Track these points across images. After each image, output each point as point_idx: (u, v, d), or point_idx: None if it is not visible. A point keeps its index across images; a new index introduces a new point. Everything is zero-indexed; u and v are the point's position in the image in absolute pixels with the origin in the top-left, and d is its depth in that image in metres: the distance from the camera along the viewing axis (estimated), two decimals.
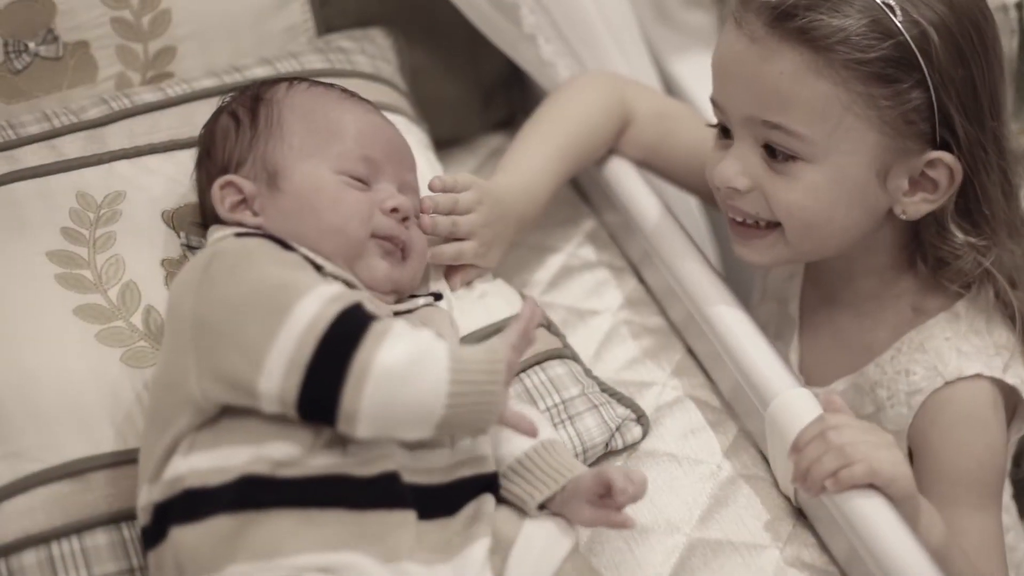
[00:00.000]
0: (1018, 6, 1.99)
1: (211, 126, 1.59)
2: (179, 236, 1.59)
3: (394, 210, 1.52)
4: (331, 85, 1.61)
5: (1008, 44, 1.96)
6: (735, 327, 1.63)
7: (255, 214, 1.51)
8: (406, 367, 1.29)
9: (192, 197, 1.62)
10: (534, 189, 1.74)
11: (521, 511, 1.41)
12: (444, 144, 1.96)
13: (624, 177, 1.84)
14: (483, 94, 2.08)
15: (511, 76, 2.09)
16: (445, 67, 2.03)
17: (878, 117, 1.51)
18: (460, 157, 2.05)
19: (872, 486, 1.42)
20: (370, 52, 1.89)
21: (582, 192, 1.95)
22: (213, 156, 1.56)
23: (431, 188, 1.62)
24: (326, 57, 1.84)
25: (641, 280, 1.83)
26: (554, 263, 1.83)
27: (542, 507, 1.43)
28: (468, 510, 1.38)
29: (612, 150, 1.86)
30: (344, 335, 1.30)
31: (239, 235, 1.46)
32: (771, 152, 1.55)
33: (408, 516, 1.32)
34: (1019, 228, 1.60)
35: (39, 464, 1.42)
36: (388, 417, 1.30)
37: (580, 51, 1.92)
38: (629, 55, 1.96)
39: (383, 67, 1.89)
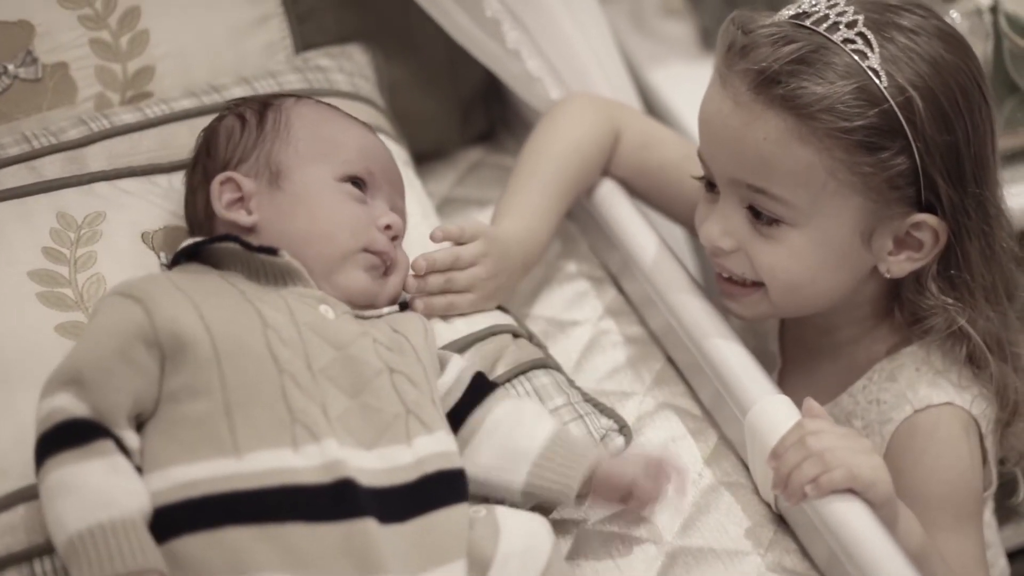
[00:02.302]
0: (992, 10, 2.00)
1: (214, 126, 1.61)
2: (159, 257, 1.60)
3: (388, 227, 1.54)
4: (336, 107, 1.64)
5: (983, 48, 1.96)
6: (714, 336, 1.64)
7: (249, 212, 1.52)
8: (47, 507, 1.30)
9: (172, 220, 1.63)
10: (539, 233, 1.74)
11: (495, 525, 1.41)
12: (423, 158, 1.97)
13: (603, 189, 1.85)
14: (462, 107, 2.09)
15: (489, 89, 2.10)
16: (423, 81, 2.03)
17: (862, 183, 1.50)
18: (440, 171, 2.05)
19: (851, 491, 1.42)
20: (348, 70, 1.90)
21: None
22: (213, 154, 1.57)
23: (432, 239, 1.62)
24: (304, 76, 1.84)
25: (620, 290, 1.84)
26: (533, 274, 1.82)
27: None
28: (441, 518, 1.38)
29: None
30: (39, 453, 1.32)
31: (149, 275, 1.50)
32: (755, 213, 1.55)
33: (368, 525, 1.32)
34: (998, 294, 1.59)
35: (22, 481, 1.42)
36: None
37: (558, 66, 1.92)
38: (606, 69, 1.96)
39: (361, 84, 1.89)
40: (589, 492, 1.49)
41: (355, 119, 1.63)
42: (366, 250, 1.53)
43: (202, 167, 1.58)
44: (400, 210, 1.60)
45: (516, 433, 1.48)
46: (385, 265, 1.55)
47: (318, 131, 1.57)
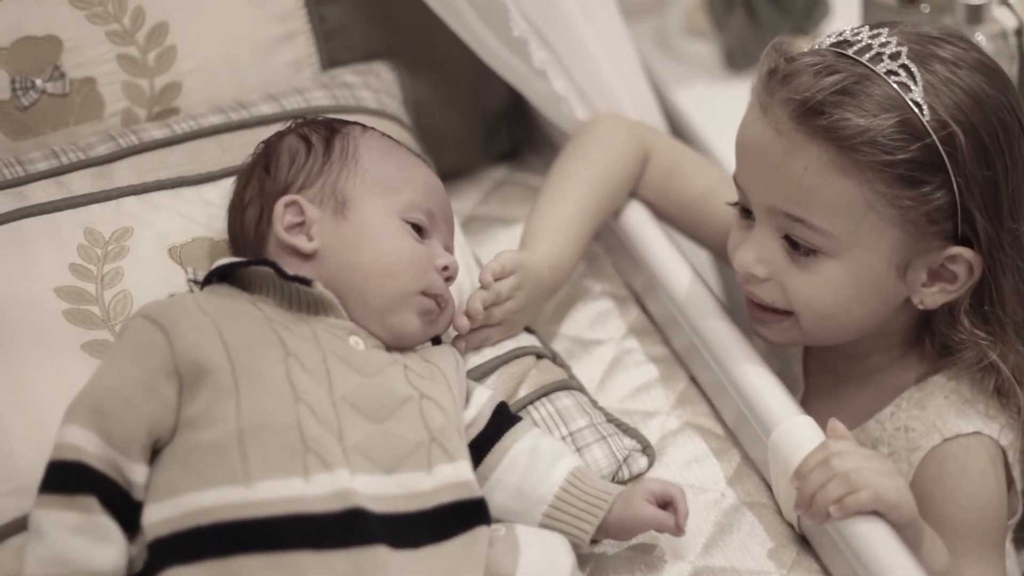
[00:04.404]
0: (1017, 32, 2.00)
1: (275, 143, 1.60)
2: (186, 272, 1.60)
3: (445, 268, 1.54)
4: (399, 142, 1.64)
5: (1008, 70, 1.96)
6: (738, 356, 1.64)
7: (310, 239, 1.52)
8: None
9: (200, 232, 1.64)
10: (569, 258, 1.75)
11: (515, 543, 1.41)
12: (447, 176, 1.95)
13: (630, 210, 1.86)
14: (486, 126, 2.09)
15: (514, 108, 2.10)
16: (448, 99, 2.04)
17: (901, 216, 1.49)
18: (464, 189, 2.06)
19: (876, 513, 1.42)
20: (374, 87, 1.90)
21: None
22: (274, 173, 1.56)
23: (483, 284, 1.62)
24: (331, 93, 1.85)
25: (644, 309, 1.84)
26: (558, 294, 1.82)
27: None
28: (458, 542, 1.38)
29: None
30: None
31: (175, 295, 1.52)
32: (792, 243, 1.55)
33: (378, 551, 1.32)
34: None
35: None
36: None
37: (584, 86, 1.93)
38: (632, 89, 1.96)
39: (388, 102, 1.90)
40: (607, 535, 1.50)
41: (418, 156, 1.64)
42: (424, 293, 1.53)
43: (258, 182, 1.57)
44: (452, 251, 1.60)
45: (532, 477, 1.49)
46: (440, 309, 1.55)
47: (385, 166, 1.57)
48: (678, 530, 1.48)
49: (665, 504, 1.49)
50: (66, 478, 1.33)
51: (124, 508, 1.34)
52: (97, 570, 1.30)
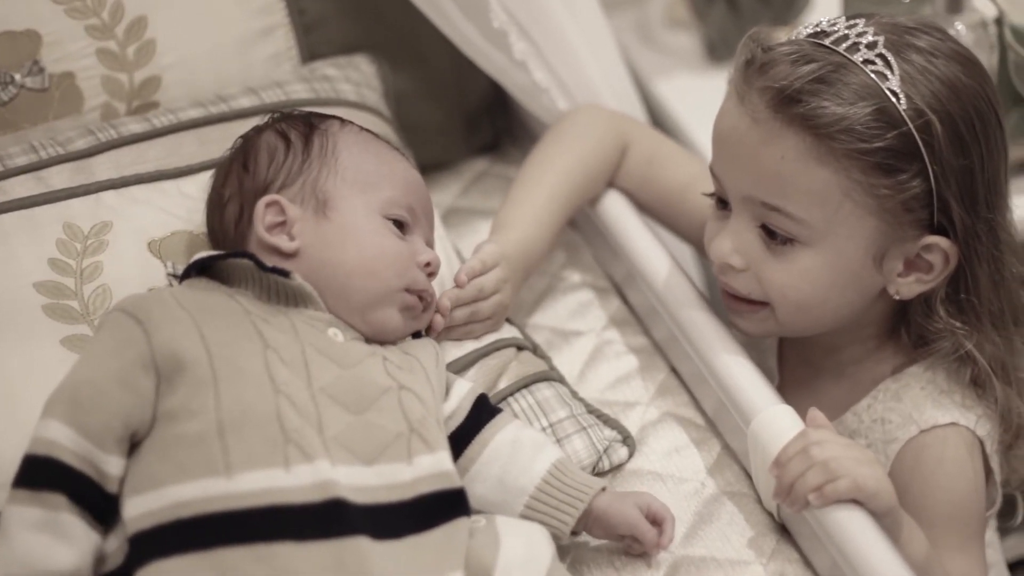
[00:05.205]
0: (997, 21, 2.00)
1: (253, 139, 1.59)
2: (165, 265, 1.60)
3: (427, 264, 1.54)
4: (378, 135, 1.63)
5: (988, 59, 1.96)
6: (718, 346, 1.64)
7: (292, 238, 1.51)
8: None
9: (180, 226, 1.63)
10: (541, 246, 1.75)
11: (495, 535, 1.41)
12: (428, 168, 1.96)
13: (609, 200, 1.85)
14: (467, 118, 2.09)
15: (495, 100, 2.10)
16: (429, 92, 2.04)
17: (877, 204, 1.49)
18: (445, 181, 2.05)
19: (855, 501, 1.43)
20: (355, 80, 1.90)
21: None
22: (253, 171, 1.56)
23: (458, 284, 1.62)
24: (311, 86, 1.85)
25: (624, 300, 1.84)
26: (538, 284, 1.84)
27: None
28: (439, 533, 1.38)
29: None
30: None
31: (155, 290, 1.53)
32: (769, 232, 1.54)
33: (360, 543, 1.32)
34: (1005, 319, 1.58)
35: None
36: None
37: (565, 77, 1.93)
38: (612, 80, 1.97)
39: (368, 95, 1.90)
40: (584, 528, 1.50)
41: (397, 150, 1.63)
42: (407, 290, 1.53)
43: (237, 180, 1.57)
44: (432, 245, 1.60)
45: (513, 468, 1.49)
46: (424, 304, 1.55)
47: (365, 162, 1.56)
48: (656, 547, 1.49)
49: (654, 522, 1.49)
50: (36, 473, 1.34)
51: (98, 503, 1.34)
52: (56, 570, 1.31)
